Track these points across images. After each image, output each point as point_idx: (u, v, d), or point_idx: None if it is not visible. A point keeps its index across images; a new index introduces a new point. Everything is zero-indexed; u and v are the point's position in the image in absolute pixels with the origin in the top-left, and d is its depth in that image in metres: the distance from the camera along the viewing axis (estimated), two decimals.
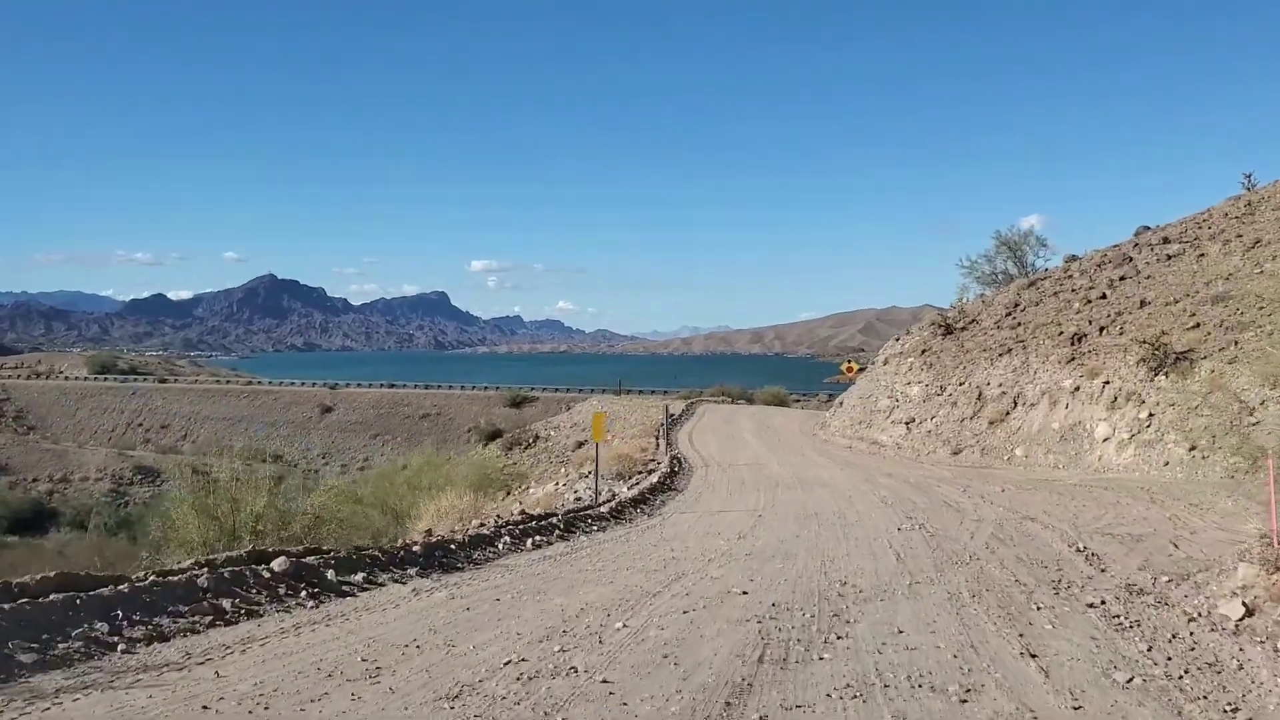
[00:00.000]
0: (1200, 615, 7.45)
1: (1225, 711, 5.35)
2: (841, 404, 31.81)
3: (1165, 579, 8.91)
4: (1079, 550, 10.63)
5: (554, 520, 11.57)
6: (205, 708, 5.16)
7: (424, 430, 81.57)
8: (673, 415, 36.25)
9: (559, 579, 8.90)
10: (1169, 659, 6.31)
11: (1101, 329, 22.88)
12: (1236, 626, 7.05)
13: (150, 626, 6.34)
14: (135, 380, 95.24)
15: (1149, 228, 29.94)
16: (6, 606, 5.76)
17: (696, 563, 9.75)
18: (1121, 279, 25.46)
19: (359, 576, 7.96)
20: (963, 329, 27.51)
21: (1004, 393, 23.08)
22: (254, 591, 7.33)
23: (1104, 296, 24.72)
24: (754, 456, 24.29)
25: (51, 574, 6.46)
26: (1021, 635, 6.91)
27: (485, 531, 10.08)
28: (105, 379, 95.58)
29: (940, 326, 27.85)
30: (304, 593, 7.61)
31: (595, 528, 12.15)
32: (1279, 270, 21.49)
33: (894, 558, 10.18)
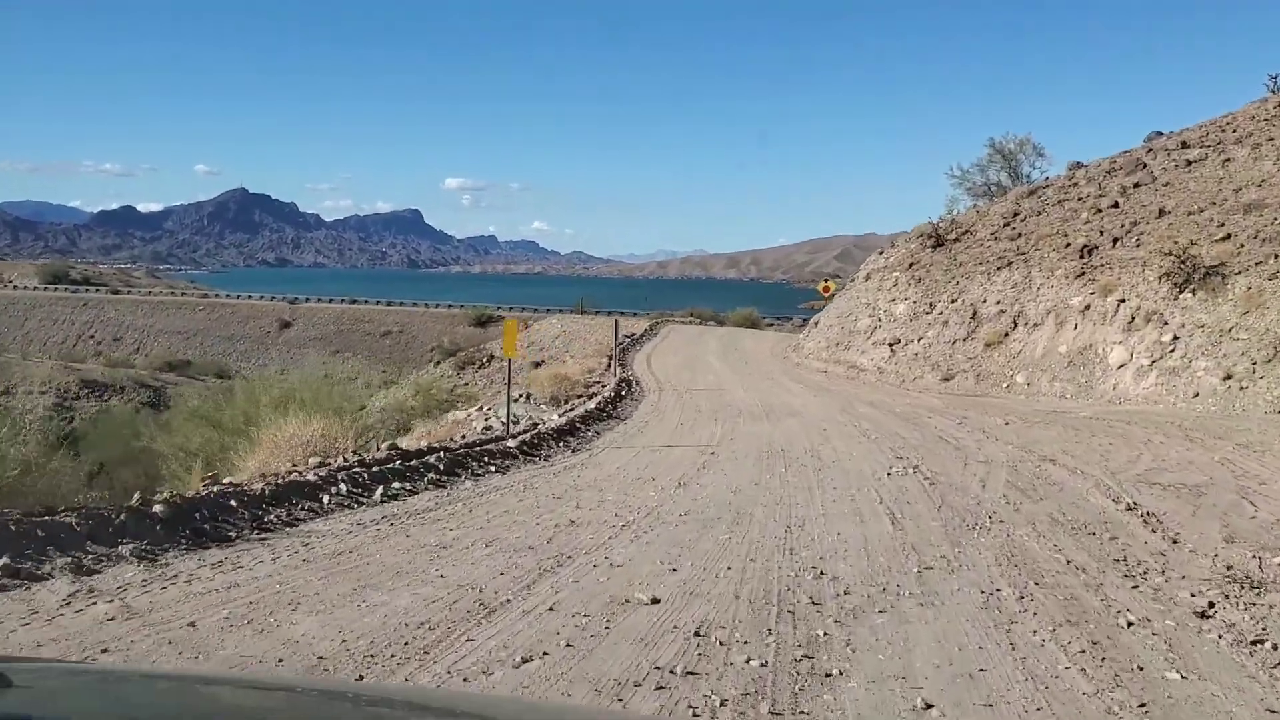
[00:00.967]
0: None
1: None
2: (817, 324, 28.95)
3: (1276, 559, 6.21)
4: (1129, 508, 7.91)
5: (433, 459, 8.65)
6: None
7: (385, 348, 78.57)
8: (632, 335, 33.35)
9: (358, 568, 5.74)
10: None
11: (1115, 240, 20.05)
12: None
13: None
14: (88, 291, 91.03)
15: (1161, 133, 26.96)
16: None
17: (602, 531, 6.75)
18: (1136, 186, 22.55)
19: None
20: (955, 240, 24.59)
21: (1002, 311, 20.30)
22: None
23: (1116, 205, 21.84)
24: (716, 380, 21.47)
25: None
26: (1144, 707, 3.90)
27: (312, 478, 7.19)
28: (57, 289, 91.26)
29: (930, 237, 24.88)
30: None
31: (493, 468, 9.20)
32: None
33: (888, 520, 7.35)
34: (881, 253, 28.26)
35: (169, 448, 14.12)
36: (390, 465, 8.16)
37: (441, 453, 9.09)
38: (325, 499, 7.05)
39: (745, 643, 4.58)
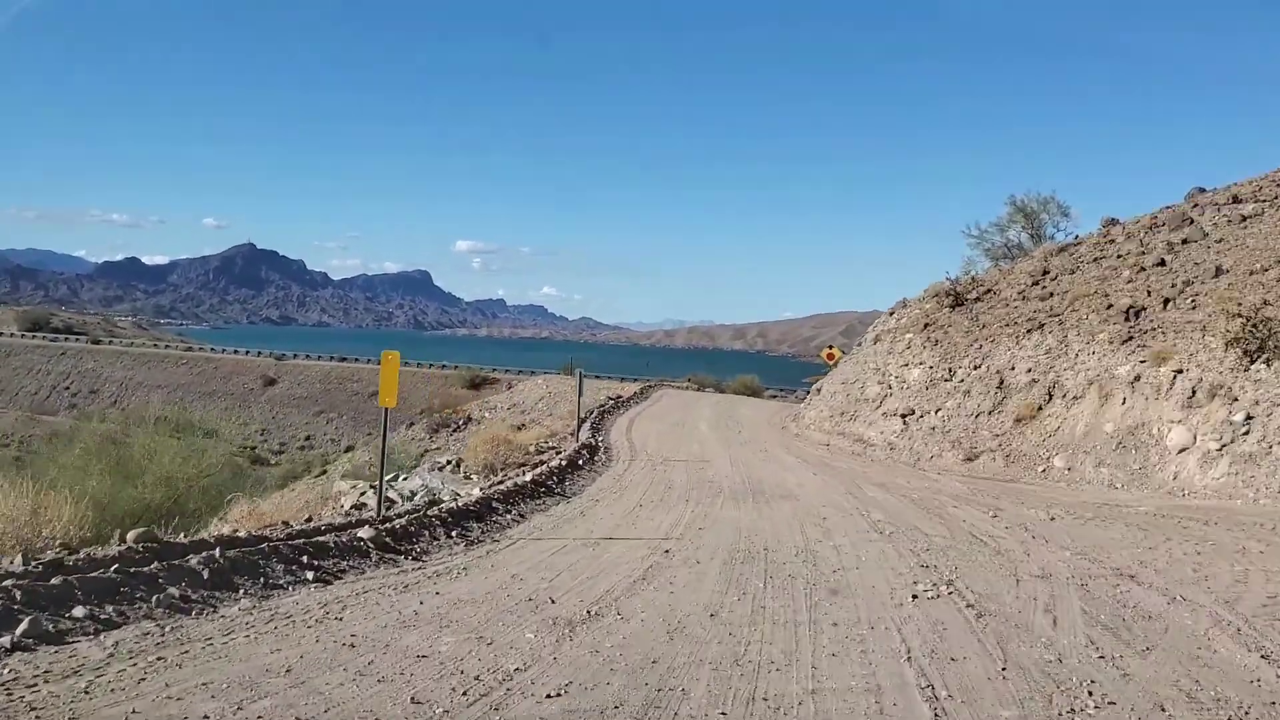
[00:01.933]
0: None
1: None
2: (819, 391, 25.97)
3: None
4: None
5: (197, 561, 5.51)
6: None
7: (371, 409, 75.38)
8: (618, 398, 30.42)
9: None
10: None
11: (1166, 301, 17.24)
12: None
13: None
14: (67, 340, 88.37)
15: (1204, 189, 24.34)
16: None
17: None
18: (1184, 242, 19.81)
19: None
20: (976, 299, 21.76)
21: (1035, 380, 17.38)
22: None
23: (1163, 263, 19.07)
24: (700, 450, 18.45)
25: None
26: None
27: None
28: (35, 336, 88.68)
29: (948, 295, 22.03)
30: None
31: (310, 574, 6.10)
32: None
33: (927, 705, 4.35)
34: (892, 313, 25.41)
35: None
36: (112, 570, 5.11)
37: (242, 547, 6.11)
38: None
39: None
